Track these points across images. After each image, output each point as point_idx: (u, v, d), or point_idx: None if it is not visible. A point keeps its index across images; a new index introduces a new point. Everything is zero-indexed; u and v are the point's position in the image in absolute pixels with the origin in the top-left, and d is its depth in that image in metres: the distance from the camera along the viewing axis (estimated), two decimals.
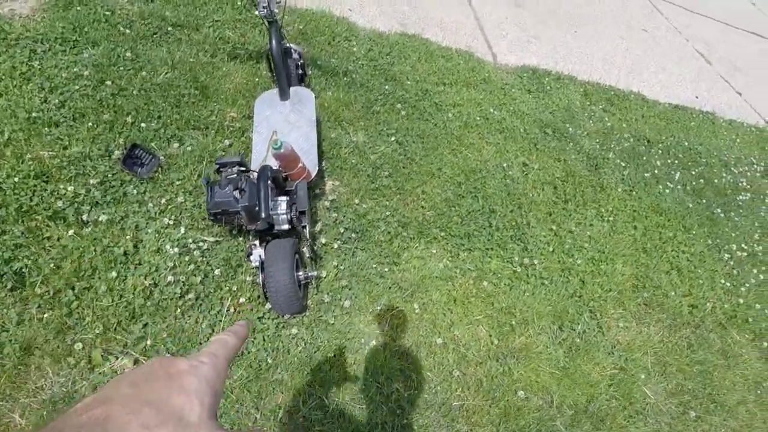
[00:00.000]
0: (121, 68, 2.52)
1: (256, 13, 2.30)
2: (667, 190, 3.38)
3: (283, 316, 1.99)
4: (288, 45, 2.57)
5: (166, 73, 2.59)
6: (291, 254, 1.90)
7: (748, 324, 2.73)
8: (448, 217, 2.63)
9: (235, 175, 1.89)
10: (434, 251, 2.46)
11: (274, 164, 2.08)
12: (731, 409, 2.36)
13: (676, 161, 3.70)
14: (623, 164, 3.45)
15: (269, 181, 1.92)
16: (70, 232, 1.94)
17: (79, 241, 1.93)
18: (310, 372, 1.91)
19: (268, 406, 1.80)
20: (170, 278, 1.94)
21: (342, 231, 2.37)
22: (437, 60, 3.58)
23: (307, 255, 2.13)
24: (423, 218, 2.58)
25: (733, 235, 3.27)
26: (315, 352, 1.97)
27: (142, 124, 2.35)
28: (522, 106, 3.55)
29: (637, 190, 3.28)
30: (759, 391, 2.48)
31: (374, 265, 2.30)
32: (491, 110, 3.37)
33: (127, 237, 2.01)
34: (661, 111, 4.12)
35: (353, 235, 2.37)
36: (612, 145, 3.59)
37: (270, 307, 1.97)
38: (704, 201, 3.43)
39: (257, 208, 1.85)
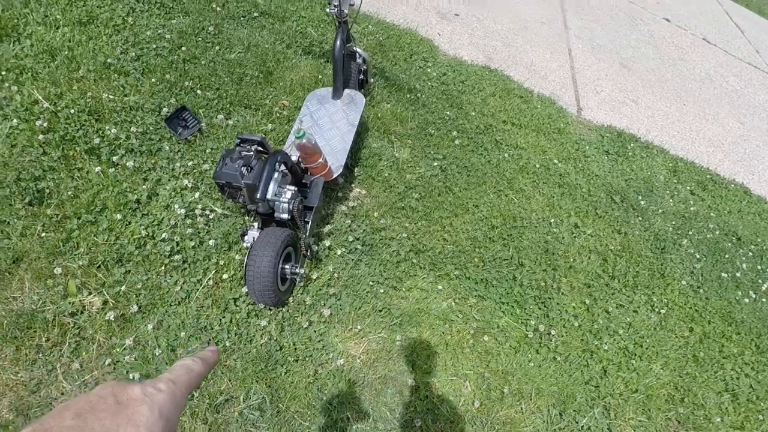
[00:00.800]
0: (200, 39, 2.69)
1: (327, 11, 2.33)
2: (747, 299, 2.85)
3: (257, 304, 1.93)
4: (354, 48, 2.58)
5: (239, 53, 2.73)
6: (281, 244, 1.84)
7: None
8: (468, 257, 2.42)
9: (251, 153, 1.88)
10: (441, 288, 2.27)
11: (296, 153, 2.06)
12: None
13: (765, 262, 3.13)
14: (698, 256, 2.98)
15: (283, 168, 1.90)
16: (98, 168, 2.05)
17: (102, 179, 2.04)
18: (264, 369, 1.81)
19: (211, 388, 1.72)
20: (165, 235, 1.97)
21: (351, 240, 2.27)
22: (513, 99, 3.41)
23: (303, 252, 2.06)
24: (441, 250, 2.40)
25: None
26: (277, 350, 1.87)
27: (199, 92, 2.47)
28: (593, 165, 3.24)
29: (707, 288, 2.80)
30: None
31: (371, 283, 2.17)
32: (555, 161, 3.11)
33: (146, 186, 2.08)
34: (765, 209, 3.54)
35: (361, 246, 2.27)
36: (690, 233, 3.13)
37: (246, 290, 1.92)
38: None
39: (259, 187, 1.83)
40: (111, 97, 2.28)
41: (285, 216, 1.90)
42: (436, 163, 2.74)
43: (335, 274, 2.14)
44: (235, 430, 1.67)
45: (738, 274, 2.97)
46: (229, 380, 1.76)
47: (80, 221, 1.91)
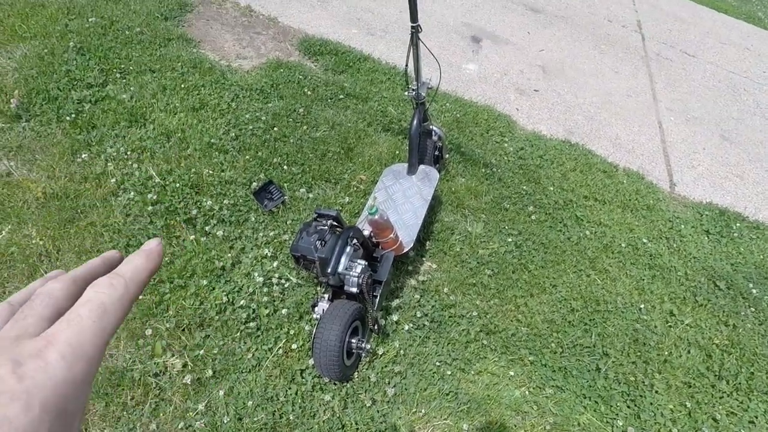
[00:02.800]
0: (291, 120, 2.97)
1: (405, 94, 2.49)
2: None
3: (322, 377, 1.93)
4: (431, 126, 2.69)
5: (324, 131, 2.96)
6: (349, 318, 1.86)
7: None
8: (545, 342, 2.26)
9: (326, 228, 1.99)
10: (513, 374, 2.12)
11: (368, 228, 2.13)
12: None
13: None
14: None
15: (355, 243, 1.97)
16: (192, 237, 2.27)
17: (195, 246, 2.25)
18: None
19: None
20: (243, 302, 2.08)
21: (419, 315, 2.24)
22: (595, 173, 3.28)
23: (371, 326, 2.06)
24: (514, 332, 2.27)
25: None
26: (339, 428, 1.83)
27: (285, 167, 2.69)
28: (690, 246, 2.95)
29: None
30: None
31: (438, 363, 2.09)
32: (645, 240, 2.88)
33: (231, 254, 2.25)
34: None
35: (429, 323, 2.22)
36: None
37: (313, 363, 1.94)
38: None
39: (331, 261, 1.90)
40: (210, 172, 2.56)
41: (354, 290, 1.93)
42: (510, 239, 2.67)
43: (401, 351, 2.09)
44: None
45: None
46: None
47: (172, 285, 2.10)
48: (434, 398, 1.98)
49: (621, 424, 2.04)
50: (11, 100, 2.62)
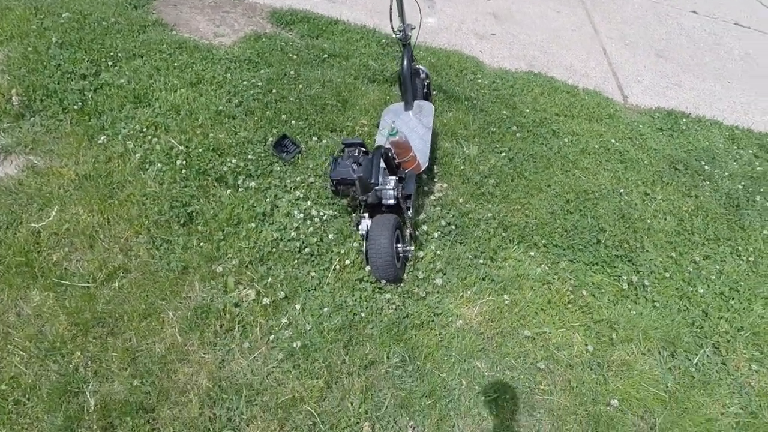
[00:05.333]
0: (285, 82, 3.17)
1: (394, 36, 2.75)
2: None
3: (380, 281, 2.20)
4: (418, 66, 2.98)
5: (317, 88, 3.18)
6: (393, 227, 2.14)
7: None
8: (551, 228, 2.64)
9: (356, 153, 2.24)
10: (533, 255, 2.48)
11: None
12: None
13: None
14: None
15: (382, 161, 2.24)
16: (228, 191, 2.46)
17: (233, 199, 2.44)
18: (397, 333, 2.06)
19: (357, 352, 1.98)
20: (293, 234, 2.31)
21: (444, 224, 2.55)
22: (560, 94, 3.70)
23: (411, 232, 2.34)
24: (525, 225, 2.63)
25: None
26: (404, 317, 2.12)
27: (293, 122, 2.90)
28: (650, 141, 3.43)
29: None
30: None
31: (470, 257, 2.41)
32: (613, 141, 3.33)
33: (267, 201, 2.46)
34: None
35: (454, 228, 2.53)
36: (762, 190, 3.22)
37: (369, 270, 2.20)
38: None
39: (370, 179, 2.16)
40: (226, 136, 2.73)
41: (392, 202, 2.21)
42: (503, 154, 3.02)
43: (438, 252, 2.40)
44: (384, 386, 1.91)
45: None
46: (369, 345, 2.01)
47: (224, 233, 2.29)
48: (474, 284, 2.31)
49: (625, 277, 2.46)
50: (12, 99, 2.66)
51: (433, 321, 2.13)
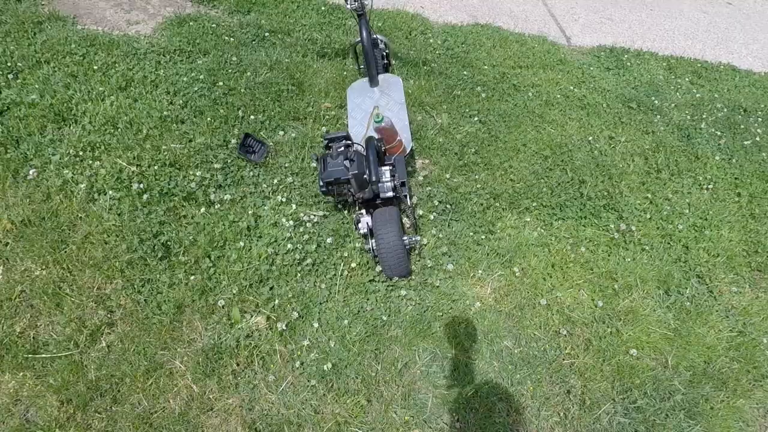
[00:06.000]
0: (229, 71, 2.82)
1: (347, 7, 2.49)
2: None
3: (391, 279, 2.11)
4: (375, 35, 2.75)
5: (266, 73, 2.86)
6: (397, 221, 2.03)
7: None
8: (537, 189, 2.65)
9: (344, 148, 2.06)
10: (527, 220, 2.49)
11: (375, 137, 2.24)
12: None
13: None
14: (718, 134, 3.29)
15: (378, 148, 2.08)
16: (202, 210, 2.19)
17: (209, 218, 2.18)
18: (421, 329, 2.00)
19: (387, 358, 1.91)
20: (289, 246, 2.13)
21: (436, 204, 2.47)
22: (511, 45, 3.64)
23: (408, 223, 2.25)
24: (513, 190, 2.62)
25: None
26: (425, 311, 2.06)
27: (251, 117, 2.61)
28: (602, 83, 3.51)
29: (737, 158, 3.11)
30: None
31: (471, 234, 2.37)
32: (571, 88, 3.36)
33: (249, 213, 2.23)
34: (756, 80, 3.89)
35: (447, 206, 2.47)
36: (704, 116, 3.44)
37: (380, 270, 2.10)
38: None
39: (366, 175, 2.01)
40: (180, 145, 2.40)
41: (390, 194, 2.09)
42: (475, 119, 2.95)
43: (439, 235, 2.33)
44: (422, 387, 1.87)
45: (758, 139, 3.29)
46: (398, 347, 1.95)
47: (212, 259, 2.05)
48: (481, 261, 2.29)
49: (613, 226, 2.55)
50: None
51: (452, 309, 2.10)
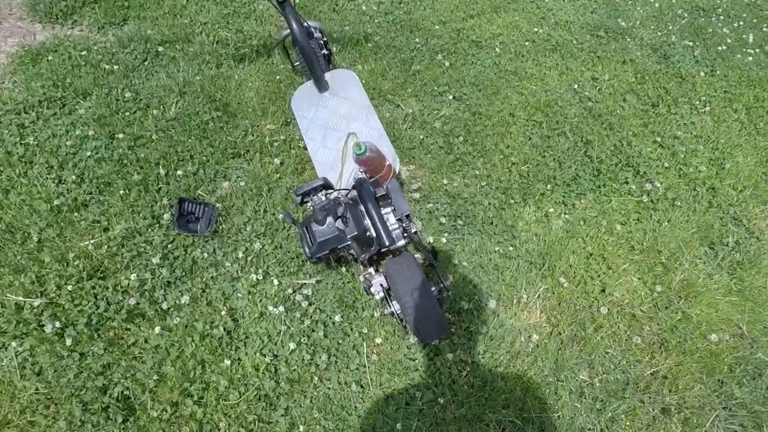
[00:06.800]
0: (127, 113, 2.09)
1: None
2: (749, 57, 2.96)
3: (425, 346, 1.67)
4: (306, 23, 2.11)
5: (177, 103, 2.16)
6: (418, 268, 1.56)
7: None
8: (545, 166, 2.26)
9: (328, 203, 1.52)
10: (548, 209, 2.10)
11: (357, 171, 1.70)
12: None
13: (742, 23, 3.24)
14: (691, 44, 3.01)
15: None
16: (156, 329, 1.59)
17: (170, 336, 1.59)
18: (488, 397, 1.60)
19: None
20: (291, 345, 1.60)
21: (443, 222, 2.01)
22: None
23: (430, 262, 1.78)
24: (520, 176, 2.21)
25: None
26: (481, 372, 1.66)
27: (178, 172, 1.95)
28: (562, 15, 3.08)
29: (719, 68, 2.86)
30: None
31: (494, 248, 1.96)
32: (534, 30, 2.91)
33: (221, 312, 1.66)
34: None
35: (457, 221, 2.02)
36: (670, 27, 3.13)
37: (415, 340, 1.65)
38: None
39: (367, 231, 1.50)
40: (94, 241, 1.73)
41: (402, 243, 1.60)
42: (449, 96, 2.45)
43: (461, 262, 1.90)
44: None
45: (728, 41, 3.06)
46: (465, 430, 1.55)
47: (194, 397, 1.50)
48: (517, 279, 1.89)
49: (635, 187, 2.23)
50: None
51: (509, 354, 1.71)
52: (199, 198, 1.89)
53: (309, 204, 1.60)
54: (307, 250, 1.52)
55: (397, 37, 2.69)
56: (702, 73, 2.82)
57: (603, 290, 1.91)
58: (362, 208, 1.55)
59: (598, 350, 1.76)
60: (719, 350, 1.80)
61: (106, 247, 1.72)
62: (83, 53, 2.24)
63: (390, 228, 1.51)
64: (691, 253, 2.06)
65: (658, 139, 2.44)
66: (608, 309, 1.85)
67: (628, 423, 1.63)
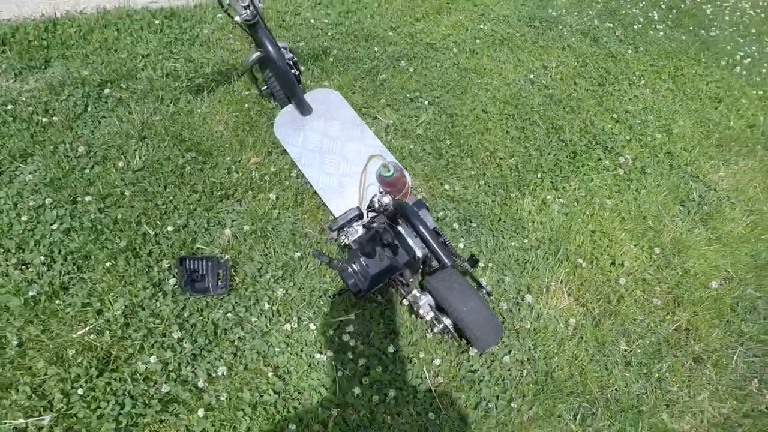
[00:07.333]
0: (84, 170, 1.78)
1: (237, 20, 1.68)
2: (660, 33, 3.32)
3: (482, 354, 1.64)
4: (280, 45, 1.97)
5: (141, 150, 1.89)
6: (464, 280, 1.53)
7: None
8: (528, 156, 2.34)
9: (370, 232, 1.43)
10: (545, 197, 2.18)
11: (377, 194, 1.62)
12: None
13: (644, 2, 3.63)
14: (611, 26, 3.31)
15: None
16: (200, 412, 1.37)
17: (217, 415, 1.39)
18: (552, 389, 1.62)
19: None
20: (356, 390, 1.48)
21: (456, 227, 1.99)
22: None
23: (467, 269, 1.75)
24: (510, 169, 2.26)
25: (729, 47, 3.33)
26: (538, 366, 1.67)
27: (167, 228, 1.71)
28: (498, 9, 3.22)
29: (640, 44, 3.17)
30: None
31: (510, 243, 1.98)
32: (480, 27, 3.01)
33: (268, 374, 1.48)
34: None
35: (469, 224, 2.01)
36: (590, 12, 3.43)
37: (473, 351, 1.61)
38: (690, 29, 3.44)
39: (415, 254, 1.44)
40: (90, 328, 1.46)
41: (448, 261, 1.54)
42: (423, 101, 2.44)
43: (487, 264, 1.89)
44: None
45: (641, 20, 3.41)
46: (540, 426, 1.55)
47: None
48: (539, 268, 1.93)
49: (608, 162, 2.39)
50: None
51: (556, 342, 1.74)
52: (200, 252, 1.68)
53: (342, 237, 1.49)
54: (358, 286, 1.41)
55: (354, 47, 2.61)
56: (629, 51, 3.10)
57: (613, 263, 2.02)
58: (403, 230, 1.48)
59: (628, 319, 1.86)
60: (720, 295, 1.99)
61: (108, 332, 1.45)
62: (8, 107, 1.87)
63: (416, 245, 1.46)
64: (669, 213, 2.25)
65: (614, 116, 2.64)
66: (625, 279, 1.95)
67: (673, 380, 1.74)
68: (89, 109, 1.97)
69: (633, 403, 1.66)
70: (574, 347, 1.75)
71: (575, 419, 1.60)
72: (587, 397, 1.65)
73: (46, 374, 1.34)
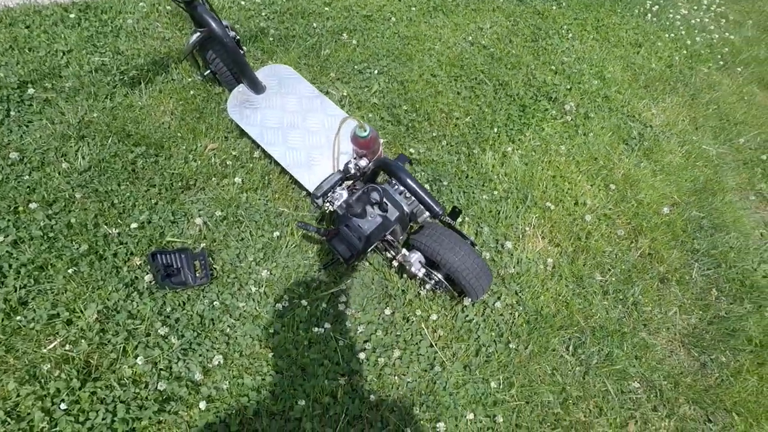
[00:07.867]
0: (23, 177, 1.61)
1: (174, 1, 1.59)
2: None
3: (474, 304, 1.68)
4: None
5: (82, 150, 1.74)
6: (451, 232, 1.55)
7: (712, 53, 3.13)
8: (481, 113, 2.40)
9: (357, 193, 1.41)
10: (504, 149, 2.25)
11: (351, 154, 1.60)
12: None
13: None
14: None
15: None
16: (201, 405, 1.30)
17: (220, 404, 1.32)
18: (542, 328, 1.69)
19: (535, 369, 1.57)
20: (362, 356, 1.46)
21: (428, 187, 2.01)
22: None
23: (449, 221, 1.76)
24: (468, 128, 2.31)
25: None
26: (526, 307, 1.73)
27: (131, 225, 1.58)
28: None
29: (562, 0, 3.33)
30: None
31: (483, 196, 2.03)
32: None
33: (266, 357, 1.42)
34: None
35: (441, 183, 2.03)
36: None
37: (469, 300, 1.63)
38: None
39: (405, 210, 1.44)
40: (62, 339, 1.33)
41: (439, 210, 1.53)
42: (373, 71, 2.42)
43: (466, 219, 1.93)
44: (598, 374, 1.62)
45: None
46: (538, 363, 1.61)
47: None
48: (511, 216, 2.00)
49: (555, 112, 2.50)
50: None
51: (539, 282, 1.81)
52: (172, 245, 1.57)
53: (327, 203, 1.46)
54: (349, 251, 1.38)
55: (292, 25, 2.54)
56: (554, 7, 3.25)
57: (576, 203, 2.13)
58: (388, 187, 1.47)
59: (598, 252, 1.97)
60: (671, 219, 2.16)
61: (83, 340, 1.33)
62: None
63: (401, 200, 1.46)
64: (616, 152, 2.40)
65: (552, 67, 2.76)
66: (590, 216, 2.07)
67: (646, 301, 1.87)
68: (12, 113, 1.77)
69: (615, 327, 1.77)
70: (556, 285, 1.83)
71: (568, 350, 1.68)
72: (575, 328, 1.73)
73: (18, 395, 1.21)
